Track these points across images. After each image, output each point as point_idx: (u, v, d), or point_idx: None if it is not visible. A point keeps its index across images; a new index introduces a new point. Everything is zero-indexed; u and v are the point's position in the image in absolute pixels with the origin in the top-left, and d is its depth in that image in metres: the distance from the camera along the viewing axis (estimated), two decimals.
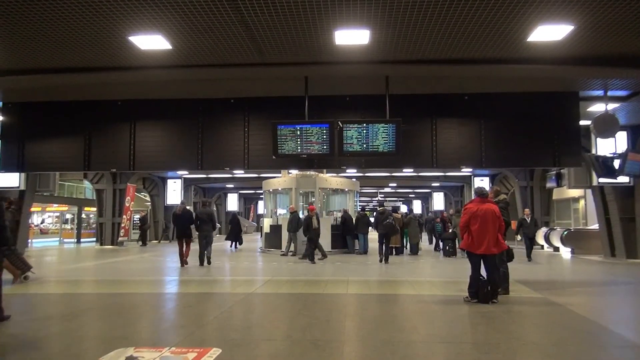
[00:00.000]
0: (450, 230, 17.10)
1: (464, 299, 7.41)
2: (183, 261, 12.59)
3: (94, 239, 25.93)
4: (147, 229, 23.72)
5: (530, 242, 15.10)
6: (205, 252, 12.78)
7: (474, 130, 9.63)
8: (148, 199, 27.70)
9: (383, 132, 8.34)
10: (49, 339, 5.43)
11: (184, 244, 12.76)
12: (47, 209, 31.83)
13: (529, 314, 6.84)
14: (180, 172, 24.50)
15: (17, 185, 14.79)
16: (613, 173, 9.60)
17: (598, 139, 11.81)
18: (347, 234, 17.38)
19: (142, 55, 7.67)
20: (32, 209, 21.61)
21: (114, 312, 6.97)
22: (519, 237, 15.88)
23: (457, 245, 15.99)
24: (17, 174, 14.29)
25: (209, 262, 12.85)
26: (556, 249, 18.00)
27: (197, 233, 12.91)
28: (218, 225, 33.23)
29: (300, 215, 16.42)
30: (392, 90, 8.71)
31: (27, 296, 8.42)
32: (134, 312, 7.17)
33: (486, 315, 6.49)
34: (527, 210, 16.03)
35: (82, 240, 26.47)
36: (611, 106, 9.89)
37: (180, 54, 7.67)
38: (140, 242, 23.00)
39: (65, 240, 26.36)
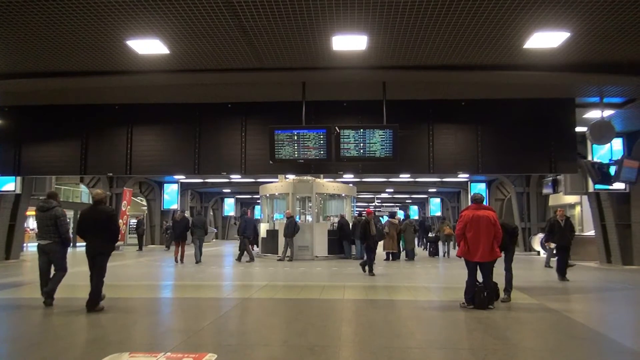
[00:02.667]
0: (433, 234, 19.18)
1: (461, 304, 7.40)
2: (177, 259, 15.16)
3: None
4: (142, 234, 23.64)
5: (564, 254, 11.12)
6: (199, 251, 15.38)
7: (471, 136, 9.65)
8: (144, 203, 27.60)
9: (380, 138, 8.35)
10: (44, 343, 5.39)
11: (180, 245, 15.36)
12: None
13: (526, 320, 6.84)
14: (177, 177, 24.45)
15: (14, 189, 14.73)
16: (609, 179, 9.63)
17: (594, 146, 11.86)
18: (344, 240, 17.36)
19: (140, 59, 7.67)
20: (28, 213, 21.49)
21: (108, 317, 6.92)
22: (552, 245, 11.88)
23: (439, 247, 18.43)
24: (13, 178, 14.24)
25: (198, 260, 15.04)
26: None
27: (192, 236, 15.85)
28: (214, 229, 33.32)
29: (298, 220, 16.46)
30: (389, 96, 8.72)
31: (21, 300, 8.36)
32: (129, 316, 7.12)
33: (482, 321, 6.48)
34: (560, 210, 11.75)
35: (77, 244, 26.30)
36: (607, 113, 9.93)
37: (178, 58, 7.67)
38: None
39: None
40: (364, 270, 12.11)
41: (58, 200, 7.57)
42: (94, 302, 7.00)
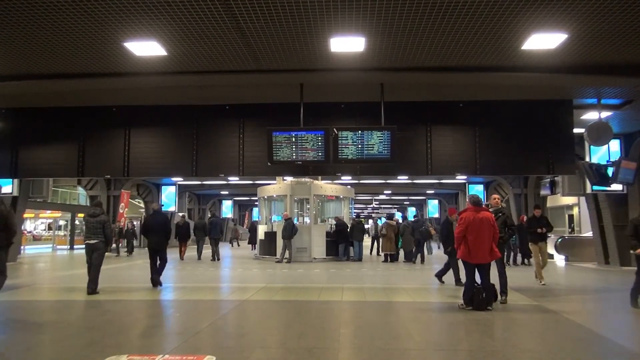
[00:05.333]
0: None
1: (459, 306, 7.41)
2: (182, 256, 17.93)
3: None
4: (132, 237, 23.41)
5: None
6: (200, 251, 18.24)
7: (469, 138, 9.66)
8: (142, 205, 27.53)
9: (378, 139, 8.35)
10: (41, 346, 5.37)
11: (183, 245, 18.40)
12: (40, 215, 31.58)
13: (524, 321, 6.84)
14: (174, 179, 24.42)
15: (11, 191, 14.69)
16: (606, 181, 9.64)
17: (592, 147, 11.89)
18: (341, 242, 17.31)
19: (137, 61, 7.66)
20: (25, 215, 21.45)
21: (107, 319, 6.90)
22: None
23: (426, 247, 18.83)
24: (10, 180, 14.21)
25: (199, 258, 17.67)
26: (550, 256, 18.03)
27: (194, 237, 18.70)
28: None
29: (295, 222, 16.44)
30: (387, 98, 8.73)
31: (18, 303, 8.32)
32: (127, 319, 7.11)
33: (481, 323, 6.48)
34: None
35: (75, 246, 26.25)
36: (604, 114, 9.95)
37: (175, 60, 7.67)
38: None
39: (59, 247, 26.13)
40: (440, 280, 10.43)
41: (102, 208, 9.45)
42: (158, 280, 9.97)
